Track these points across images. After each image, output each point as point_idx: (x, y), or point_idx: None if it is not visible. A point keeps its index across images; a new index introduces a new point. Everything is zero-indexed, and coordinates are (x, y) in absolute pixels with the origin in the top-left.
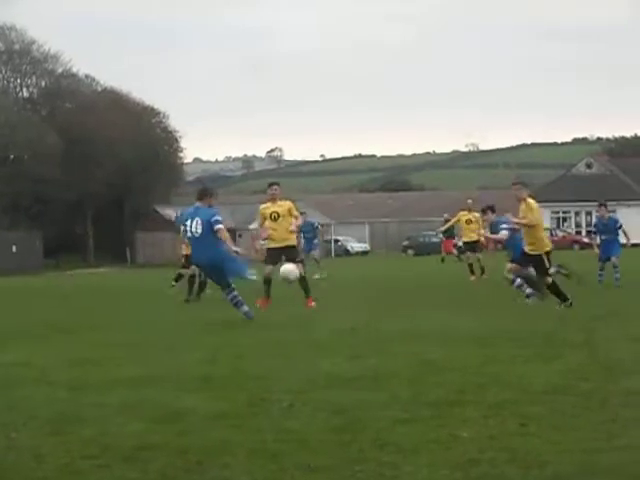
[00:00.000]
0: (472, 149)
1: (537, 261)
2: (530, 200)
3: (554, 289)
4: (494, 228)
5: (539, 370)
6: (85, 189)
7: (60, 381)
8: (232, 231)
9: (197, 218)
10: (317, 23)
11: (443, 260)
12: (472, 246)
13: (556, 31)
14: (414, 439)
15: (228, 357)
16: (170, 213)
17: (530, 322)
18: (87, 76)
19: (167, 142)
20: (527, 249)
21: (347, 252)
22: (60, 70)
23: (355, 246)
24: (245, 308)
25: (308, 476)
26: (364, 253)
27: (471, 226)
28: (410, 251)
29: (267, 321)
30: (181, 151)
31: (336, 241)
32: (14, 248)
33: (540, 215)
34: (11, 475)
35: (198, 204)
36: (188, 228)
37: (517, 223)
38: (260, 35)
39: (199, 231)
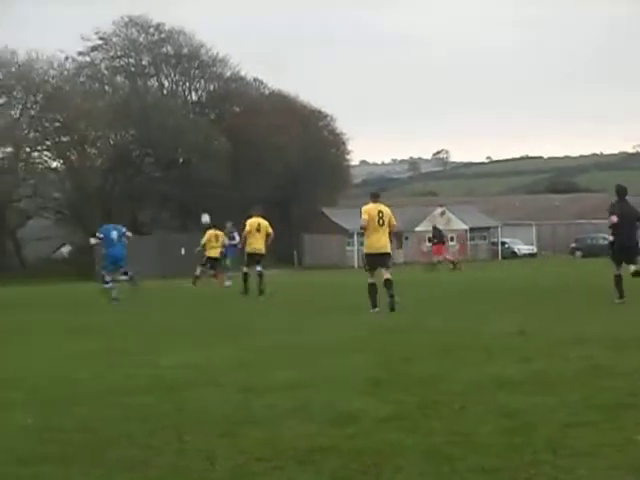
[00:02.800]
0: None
1: None
2: None
3: None
4: None
5: None
6: (252, 192)
7: (230, 383)
8: (399, 233)
9: None
10: (472, 25)
11: (434, 267)
12: None
13: None
14: (587, 442)
15: (396, 360)
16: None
17: None
18: (255, 79)
19: (334, 145)
20: None
21: (514, 254)
22: (228, 73)
23: (522, 248)
24: None
25: (481, 478)
26: (531, 255)
27: None
28: (578, 253)
29: (434, 325)
30: (348, 154)
31: (503, 243)
32: (183, 250)
33: None
34: (184, 477)
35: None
36: None
37: None
38: (416, 38)
39: None
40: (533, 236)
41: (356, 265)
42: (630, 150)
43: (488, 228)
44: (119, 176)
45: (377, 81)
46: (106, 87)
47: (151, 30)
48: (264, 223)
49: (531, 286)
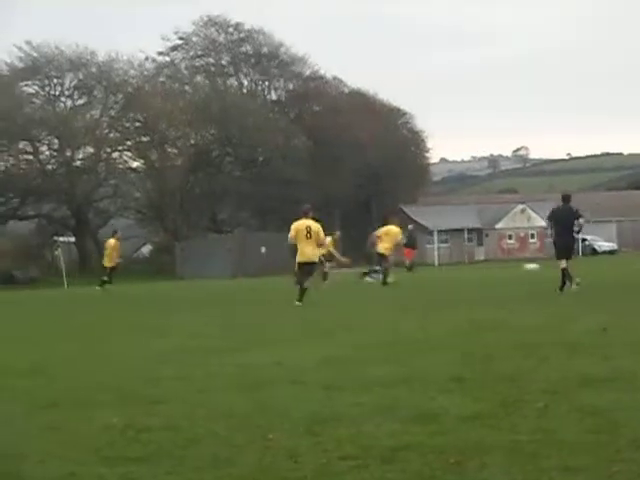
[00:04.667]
0: None
1: None
2: None
3: None
4: None
5: None
6: (333, 191)
7: (313, 381)
8: (479, 230)
9: None
10: (552, 22)
11: (411, 268)
12: None
13: None
14: None
15: (478, 357)
16: (416, 213)
17: None
18: (335, 78)
19: (413, 143)
20: None
21: (594, 251)
22: (308, 72)
23: (602, 245)
24: None
25: (567, 476)
26: (611, 252)
27: None
28: None
29: (517, 322)
30: (427, 151)
31: (583, 240)
32: (263, 249)
33: None
34: (270, 476)
35: None
36: None
37: None
38: (496, 35)
39: None
40: (614, 233)
41: (436, 262)
42: None
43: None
44: (199, 175)
45: (459, 78)
46: (186, 87)
47: (230, 29)
48: (315, 226)
49: (613, 283)
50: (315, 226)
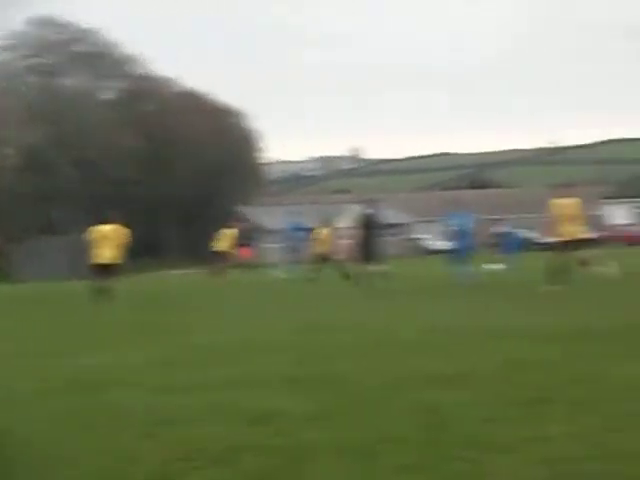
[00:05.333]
0: (555, 146)
1: None
2: None
3: None
4: None
5: (625, 366)
6: (168, 191)
7: (149, 383)
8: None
9: None
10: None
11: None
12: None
13: (637, 28)
14: (504, 437)
15: (316, 358)
16: (252, 213)
17: (617, 318)
18: (166, 78)
19: (248, 143)
20: None
21: (427, 251)
22: (140, 72)
23: (436, 244)
24: None
25: (400, 475)
26: (444, 251)
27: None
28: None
29: (356, 322)
30: (263, 151)
31: (417, 239)
32: None
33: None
34: (109, 478)
35: None
36: None
37: None
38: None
39: None
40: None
41: (273, 262)
42: (544, 145)
43: (402, 225)
44: (31, 176)
45: (293, 79)
46: (17, 86)
47: (62, 29)
48: (116, 231)
49: (448, 282)
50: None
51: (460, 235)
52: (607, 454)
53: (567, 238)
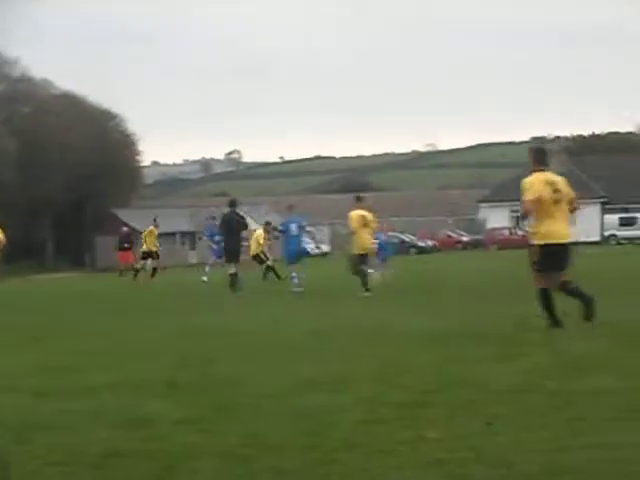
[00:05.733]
0: (430, 149)
1: None
2: None
3: None
4: None
5: (503, 369)
6: (43, 193)
7: (25, 388)
8: (191, 234)
9: None
10: (271, 25)
11: (121, 273)
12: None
13: (514, 32)
14: (381, 440)
15: (195, 362)
16: (128, 216)
17: (491, 322)
18: (44, 80)
19: (125, 146)
20: None
21: (307, 254)
22: (17, 74)
23: (315, 248)
24: None
25: (278, 479)
26: (324, 255)
27: None
28: None
29: (235, 326)
30: (139, 154)
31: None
32: None
33: None
34: None
35: None
36: None
37: None
38: (214, 37)
39: None
40: (327, 236)
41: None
42: (421, 149)
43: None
44: None
45: (172, 81)
46: None
47: None
48: None
49: (326, 286)
50: None
51: (290, 240)
52: (486, 457)
53: (363, 251)
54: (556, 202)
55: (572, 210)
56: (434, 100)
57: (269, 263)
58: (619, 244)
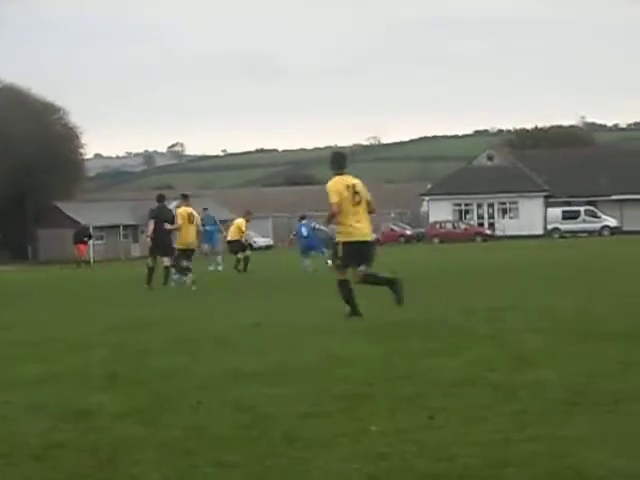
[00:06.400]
0: (374, 142)
1: None
2: None
3: None
4: None
5: (446, 362)
6: None
7: None
8: (134, 227)
9: None
10: (212, 20)
11: (79, 266)
12: None
13: (457, 23)
14: (323, 433)
15: (132, 354)
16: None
17: (434, 314)
18: None
19: (67, 138)
20: None
21: (251, 247)
22: None
23: (259, 241)
24: None
25: (219, 472)
26: (267, 247)
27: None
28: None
29: (172, 319)
30: (82, 147)
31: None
32: None
33: None
34: None
35: None
36: None
37: None
38: (147, 30)
39: None
40: (269, 228)
41: (92, 259)
42: (364, 142)
43: (224, 221)
44: None
45: (114, 74)
46: None
47: None
48: None
49: (267, 278)
50: None
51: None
52: (429, 450)
53: (185, 246)
54: (357, 204)
55: (370, 212)
56: (378, 94)
57: (247, 253)
58: (562, 237)
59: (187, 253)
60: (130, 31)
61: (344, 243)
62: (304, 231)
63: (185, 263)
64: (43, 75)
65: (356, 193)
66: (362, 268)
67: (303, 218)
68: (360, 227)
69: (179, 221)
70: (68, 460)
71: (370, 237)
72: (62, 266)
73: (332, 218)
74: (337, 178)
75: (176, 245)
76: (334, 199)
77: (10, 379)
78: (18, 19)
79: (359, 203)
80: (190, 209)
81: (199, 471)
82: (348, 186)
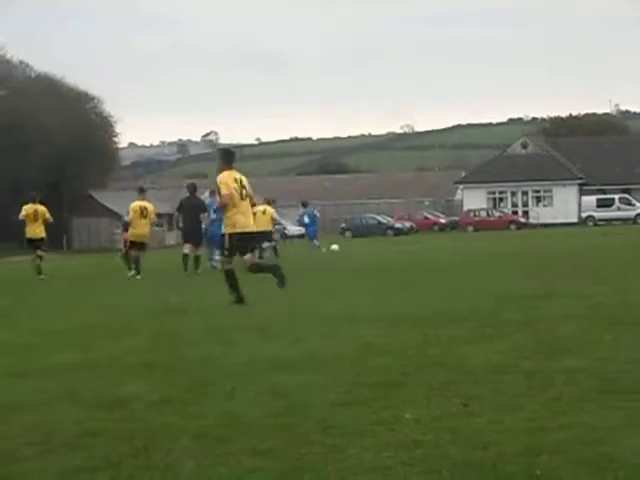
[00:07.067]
0: (407, 131)
1: None
2: None
3: None
4: None
5: (480, 350)
6: (20, 176)
7: (0, 367)
8: (169, 216)
9: None
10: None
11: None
12: None
13: (491, 13)
14: (358, 421)
15: (168, 342)
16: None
17: (468, 302)
18: (21, 62)
19: (102, 127)
20: None
21: (285, 235)
22: None
23: (292, 229)
24: None
25: (253, 460)
26: (300, 236)
27: None
28: (348, 233)
29: (207, 307)
30: (116, 136)
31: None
32: None
33: None
34: None
35: None
36: None
37: None
38: (182, 20)
39: None
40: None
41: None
42: (397, 130)
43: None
44: None
45: (148, 63)
46: None
47: None
48: (41, 209)
49: (300, 266)
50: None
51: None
52: (463, 438)
53: (139, 239)
54: (243, 197)
55: (252, 205)
56: (411, 82)
57: (274, 243)
58: (596, 225)
59: (137, 245)
60: (167, 22)
61: (230, 234)
62: (306, 219)
63: (135, 254)
64: (77, 65)
65: (243, 187)
66: (247, 257)
67: (305, 205)
68: (244, 219)
69: (131, 215)
70: (103, 448)
71: (253, 228)
72: (115, 253)
73: (221, 208)
74: (227, 172)
75: (128, 236)
76: (224, 191)
77: (47, 367)
78: (51, 10)
79: (245, 197)
80: (144, 203)
81: (233, 458)
82: (237, 180)
